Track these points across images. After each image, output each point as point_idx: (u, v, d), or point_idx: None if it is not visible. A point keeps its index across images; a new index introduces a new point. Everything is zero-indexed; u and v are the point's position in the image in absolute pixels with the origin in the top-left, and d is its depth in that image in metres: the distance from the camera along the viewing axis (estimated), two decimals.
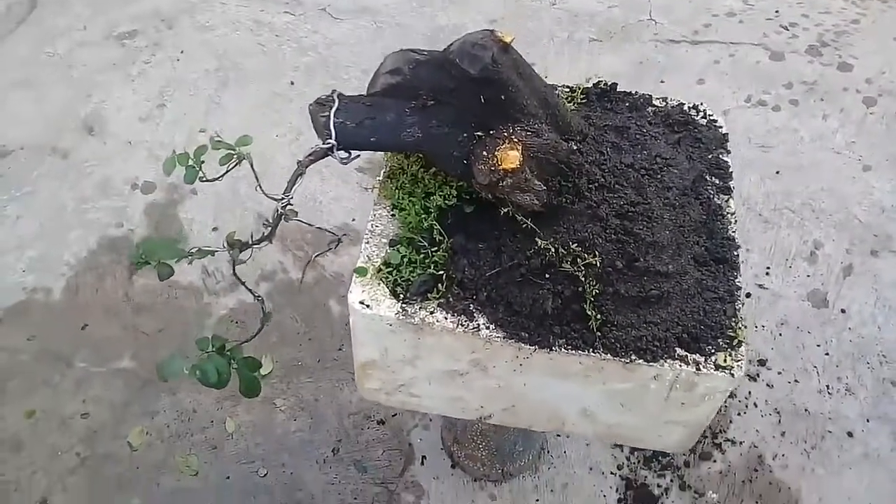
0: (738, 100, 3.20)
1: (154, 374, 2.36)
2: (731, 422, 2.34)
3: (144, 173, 2.84)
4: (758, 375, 2.45)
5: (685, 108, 1.61)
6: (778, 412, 2.36)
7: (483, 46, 1.20)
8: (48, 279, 2.55)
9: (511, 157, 1.21)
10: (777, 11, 3.53)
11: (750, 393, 2.40)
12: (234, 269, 1.44)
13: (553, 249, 1.26)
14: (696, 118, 1.59)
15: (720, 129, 1.59)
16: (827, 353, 2.51)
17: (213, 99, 3.05)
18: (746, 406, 2.38)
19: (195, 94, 3.07)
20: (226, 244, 1.43)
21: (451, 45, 1.24)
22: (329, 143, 1.29)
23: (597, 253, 1.27)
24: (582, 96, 1.59)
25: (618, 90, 1.61)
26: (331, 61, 3.23)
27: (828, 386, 2.43)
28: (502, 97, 1.23)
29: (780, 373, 2.45)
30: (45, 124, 2.97)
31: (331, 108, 1.30)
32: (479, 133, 1.27)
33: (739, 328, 1.32)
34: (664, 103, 1.61)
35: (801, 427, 2.34)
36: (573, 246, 1.27)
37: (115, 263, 2.61)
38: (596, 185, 1.33)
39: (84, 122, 2.99)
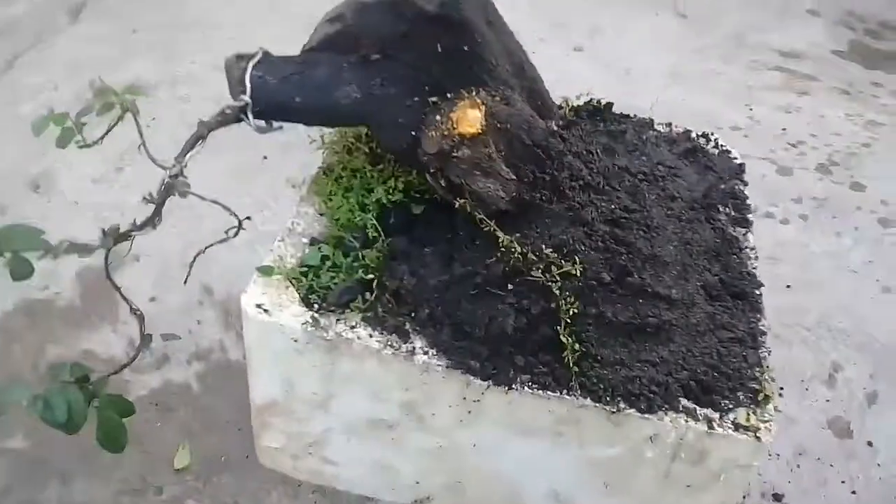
0: None
1: (48, 457, 1.96)
2: None
3: (85, 236, 2.52)
4: None
5: (693, 135, 1.34)
6: None
7: None
8: None
9: (470, 118, 0.92)
10: (784, 129, 3.37)
11: None
12: (106, 266, 1.12)
13: (519, 250, 0.95)
14: (705, 147, 1.32)
15: (735, 160, 1.31)
16: (854, 492, 2.10)
17: None
18: None
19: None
20: (102, 233, 1.12)
21: None
22: (242, 101, 1.01)
23: (577, 260, 0.95)
24: (571, 114, 1.33)
25: (612, 111, 1.35)
26: (310, 139, 3.02)
27: None
28: (465, 48, 0.96)
29: None
30: None
31: (249, 61, 1.03)
32: (433, 99, 0.99)
33: (766, 379, 0.98)
34: (668, 128, 1.34)
35: None
36: (547, 251, 0.96)
37: (27, 329, 2.25)
38: (581, 183, 1.03)
39: (32, 180, 2.73)
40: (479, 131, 0.92)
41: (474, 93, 0.96)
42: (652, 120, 1.34)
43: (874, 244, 2.86)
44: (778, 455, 2.18)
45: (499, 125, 0.95)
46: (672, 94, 3.55)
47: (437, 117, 0.95)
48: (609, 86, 3.52)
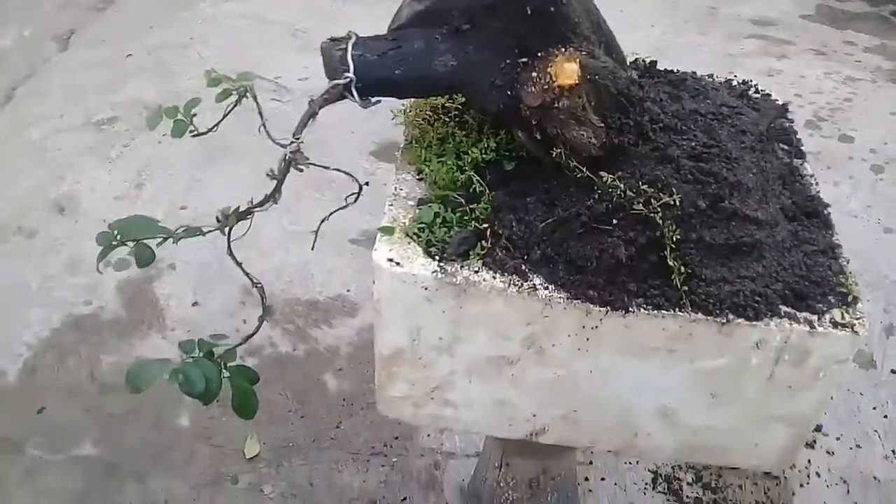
0: None
1: (121, 460, 2.01)
2: (793, 494, 2.02)
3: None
4: (814, 442, 2.15)
5: (734, 83, 1.45)
6: (845, 481, 2.05)
7: None
8: (2, 362, 2.23)
9: (568, 71, 1.02)
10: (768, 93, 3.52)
11: (810, 461, 2.10)
12: (228, 246, 1.19)
13: (621, 188, 1.04)
14: (748, 93, 1.43)
15: (777, 101, 1.42)
16: (885, 416, 2.23)
17: (194, 177, 2.87)
18: (808, 476, 2.06)
19: (176, 174, 2.88)
20: (219, 217, 1.19)
21: None
22: (347, 78, 1.09)
23: (673, 192, 1.04)
24: None
25: (657, 67, 1.45)
26: (322, 142, 3.09)
27: (894, 451, 2.14)
28: (552, 9, 1.05)
29: (838, 438, 2.16)
30: (10, 204, 2.74)
31: (347, 42, 1.11)
32: (523, 59, 1.08)
33: (851, 284, 1.08)
34: (711, 79, 1.44)
35: (874, 497, 2.02)
36: (644, 187, 1.05)
37: (79, 342, 2.31)
38: (660, 125, 1.13)
39: (55, 202, 2.77)
40: (576, 82, 1.01)
41: (563, 49, 1.05)
42: (694, 71, 1.44)
43: (870, 190, 3.02)
44: None
45: (588, 77, 1.04)
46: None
47: (534, 74, 1.04)
48: None
